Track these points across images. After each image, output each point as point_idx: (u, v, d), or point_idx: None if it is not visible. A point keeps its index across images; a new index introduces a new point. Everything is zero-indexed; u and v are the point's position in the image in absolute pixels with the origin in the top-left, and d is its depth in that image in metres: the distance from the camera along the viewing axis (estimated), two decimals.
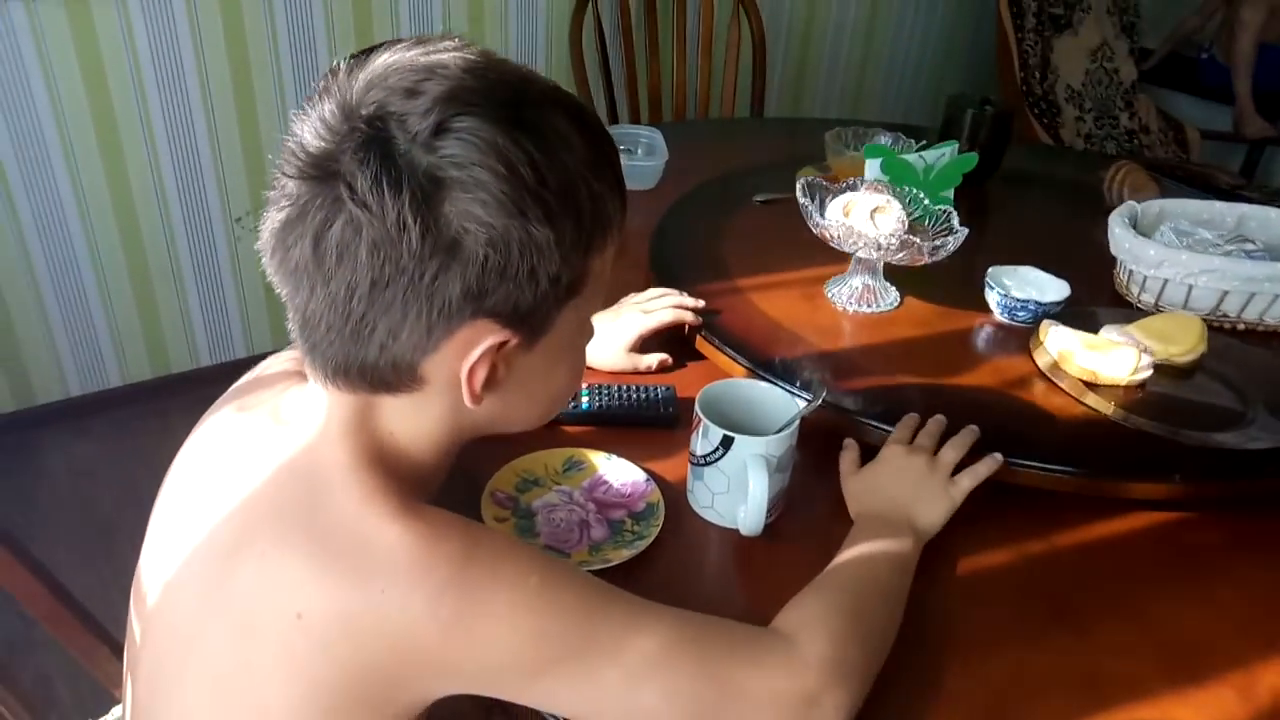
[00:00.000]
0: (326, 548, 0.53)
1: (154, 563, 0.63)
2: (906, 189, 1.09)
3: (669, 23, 2.19)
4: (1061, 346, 0.96)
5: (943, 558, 0.76)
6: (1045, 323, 1.00)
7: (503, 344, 0.54)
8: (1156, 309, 1.08)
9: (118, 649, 0.84)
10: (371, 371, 0.54)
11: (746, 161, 1.49)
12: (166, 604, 0.60)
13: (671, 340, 0.99)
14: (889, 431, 0.85)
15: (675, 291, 1.03)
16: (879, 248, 1.00)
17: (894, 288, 1.10)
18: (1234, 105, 2.79)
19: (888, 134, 1.39)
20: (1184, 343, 0.97)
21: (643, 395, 0.92)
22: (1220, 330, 1.05)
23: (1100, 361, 0.94)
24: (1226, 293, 1.04)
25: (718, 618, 0.60)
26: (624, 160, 1.35)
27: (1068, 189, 1.54)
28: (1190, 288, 1.06)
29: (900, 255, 1.00)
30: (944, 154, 1.22)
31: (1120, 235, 1.10)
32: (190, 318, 2.04)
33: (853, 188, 1.08)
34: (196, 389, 0.67)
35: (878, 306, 1.07)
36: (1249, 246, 1.13)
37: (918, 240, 0.99)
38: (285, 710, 0.53)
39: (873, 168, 1.17)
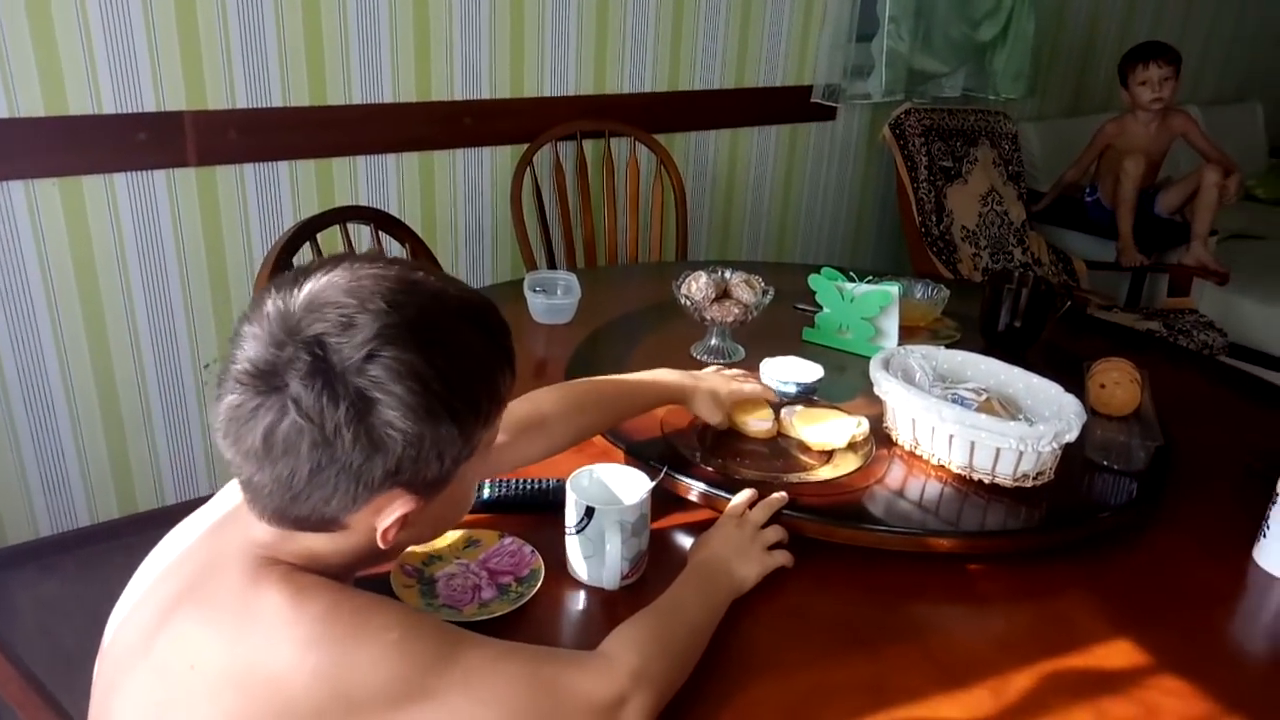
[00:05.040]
0: (216, 608, 0.66)
1: (115, 627, 0.74)
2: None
3: (599, 181, 2.48)
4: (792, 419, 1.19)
5: (768, 601, 0.93)
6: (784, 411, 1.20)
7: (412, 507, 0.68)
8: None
9: None
10: (303, 521, 0.67)
11: (649, 299, 1.72)
12: (112, 656, 0.72)
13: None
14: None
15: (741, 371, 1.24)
16: (696, 306, 1.40)
17: (741, 347, 1.45)
18: (1117, 240, 3.13)
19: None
20: (830, 440, 1.14)
21: (536, 486, 1.09)
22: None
23: (820, 432, 1.16)
24: (915, 420, 1.13)
25: (554, 648, 0.76)
26: (544, 300, 1.59)
27: (1066, 365, 1.36)
28: (911, 422, 1.13)
29: (714, 313, 1.39)
30: (872, 288, 1.48)
31: (874, 370, 1.19)
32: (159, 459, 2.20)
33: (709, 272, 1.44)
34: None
35: (728, 358, 1.42)
36: (969, 396, 1.16)
37: (714, 306, 1.40)
38: None
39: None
